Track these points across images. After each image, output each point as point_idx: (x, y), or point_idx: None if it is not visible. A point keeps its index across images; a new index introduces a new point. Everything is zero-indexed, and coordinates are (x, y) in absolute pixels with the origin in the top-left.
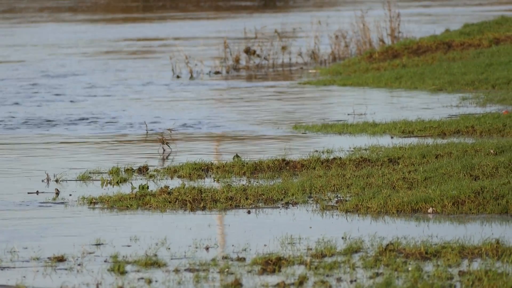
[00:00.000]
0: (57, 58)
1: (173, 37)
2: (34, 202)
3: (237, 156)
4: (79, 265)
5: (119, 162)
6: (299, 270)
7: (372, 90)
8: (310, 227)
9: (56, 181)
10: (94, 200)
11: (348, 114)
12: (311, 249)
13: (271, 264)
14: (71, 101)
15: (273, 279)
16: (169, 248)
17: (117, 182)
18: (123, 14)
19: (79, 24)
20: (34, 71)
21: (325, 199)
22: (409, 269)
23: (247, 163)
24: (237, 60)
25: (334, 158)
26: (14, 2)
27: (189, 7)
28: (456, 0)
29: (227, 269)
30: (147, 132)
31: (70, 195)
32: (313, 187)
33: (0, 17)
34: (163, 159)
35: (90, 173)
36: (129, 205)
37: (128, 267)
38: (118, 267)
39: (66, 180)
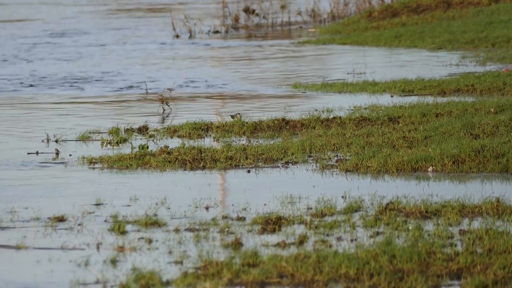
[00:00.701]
0: (59, 16)
1: None
2: (34, 162)
3: (238, 115)
4: (79, 225)
5: (118, 122)
6: (299, 229)
7: (371, 49)
8: (314, 186)
9: (56, 141)
10: (94, 160)
11: (348, 73)
12: (311, 208)
13: (271, 223)
14: (69, 60)
15: (273, 239)
16: (169, 208)
17: (117, 142)
18: None
19: None
20: (36, 30)
21: (325, 159)
22: (410, 228)
23: (246, 123)
24: (236, 20)
25: (334, 117)
26: None
27: None
28: None
29: (227, 229)
30: (146, 92)
31: (70, 155)
32: (313, 147)
33: None
34: (163, 119)
35: (90, 133)
36: (129, 165)
37: (128, 227)
38: (118, 226)
39: (66, 140)
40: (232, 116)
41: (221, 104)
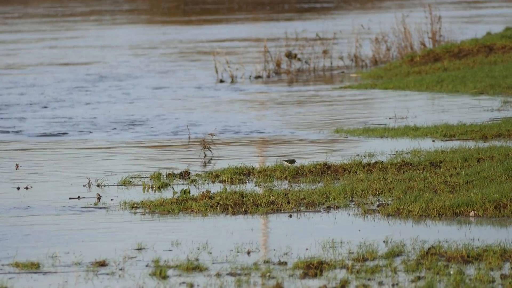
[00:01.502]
0: (115, 59)
1: (215, 40)
2: (76, 207)
3: (293, 161)
4: (120, 269)
5: (160, 167)
6: (341, 274)
7: (413, 94)
8: (359, 230)
9: (98, 186)
10: (135, 205)
11: (390, 118)
12: (352, 253)
13: (313, 268)
14: (115, 104)
15: (314, 283)
16: (210, 253)
17: (159, 187)
18: (161, 17)
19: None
20: (91, 72)
21: (367, 203)
22: (451, 272)
23: (289, 168)
24: (278, 64)
25: (376, 162)
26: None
27: (231, 8)
28: (497, 2)
29: (268, 273)
30: (189, 137)
31: (111, 199)
32: (354, 191)
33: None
34: (205, 164)
35: (131, 178)
36: (170, 210)
37: (169, 272)
38: (160, 271)
39: (107, 185)
40: (290, 162)
41: (263, 149)
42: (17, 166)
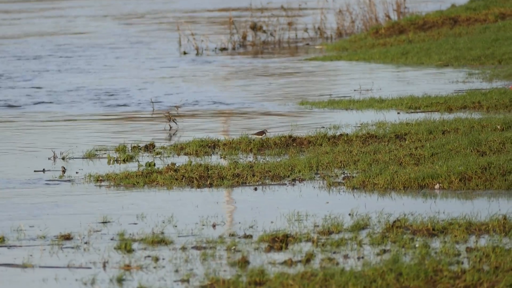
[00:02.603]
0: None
1: (179, 10)
2: (41, 180)
3: (262, 132)
4: (85, 243)
5: (125, 139)
6: (306, 247)
7: (378, 66)
8: (327, 202)
9: (63, 158)
10: (100, 178)
11: (355, 90)
12: (318, 226)
13: (278, 241)
14: (72, 76)
15: (280, 256)
16: (175, 226)
17: (124, 160)
18: None
19: None
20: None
21: (332, 176)
22: (416, 245)
23: (253, 140)
24: (244, 37)
25: (341, 134)
26: None
27: None
28: None
29: (234, 247)
30: (153, 109)
31: (76, 172)
32: (320, 164)
33: None
34: (170, 136)
35: (96, 150)
36: (135, 183)
37: (134, 245)
38: (125, 245)
39: (72, 158)
40: (258, 134)
41: (228, 121)
42: None
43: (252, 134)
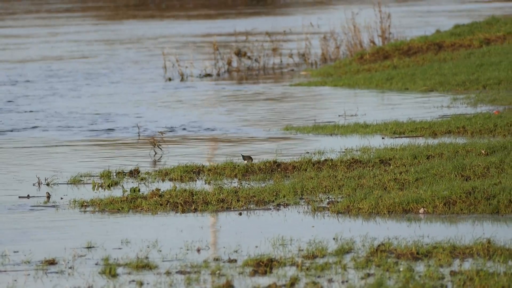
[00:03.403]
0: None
1: (163, 36)
2: (25, 205)
3: (249, 157)
4: (70, 268)
5: (110, 165)
6: (291, 271)
7: (363, 91)
8: (313, 226)
9: (47, 184)
10: (85, 203)
11: (339, 115)
12: (302, 250)
13: (263, 265)
14: (62, 101)
15: (264, 281)
16: (160, 251)
17: (109, 185)
18: (112, 12)
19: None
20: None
21: (317, 201)
22: (401, 269)
23: (238, 165)
24: (229, 63)
25: (326, 160)
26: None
27: (178, 4)
28: None
29: (218, 271)
30: (139, 135)
31: (61, 198)
32: (304, 189)
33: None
34: (155, 162)
35: (81, 176)
36: (120, 208)
37: (119, 270)
38: (109, 269)
39: (57, 184)
40: (244, 158)
41: (213, 147)
42: None
43: (242, 154)
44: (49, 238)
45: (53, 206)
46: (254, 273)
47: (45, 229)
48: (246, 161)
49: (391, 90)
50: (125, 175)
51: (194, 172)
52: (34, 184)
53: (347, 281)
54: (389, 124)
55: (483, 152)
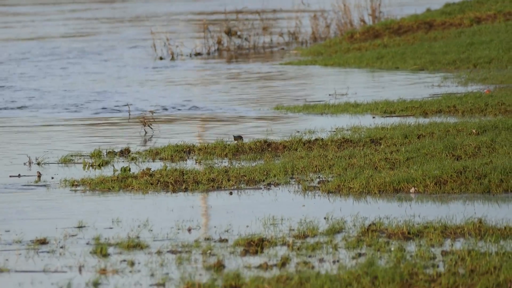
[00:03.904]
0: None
1: (154, 15)
2: (16, 184)
3: (239, 137)
4: (61, 247)
5: (101, 144)
6: (282, 251)
7: (353, 70)
8: (303, 206)
9: (38, 164)
10: (76, 183)
11: (330, 95)
12: (293, 229)
13: (254, 245)
14: (53, 81)
15: (255, 260)
16: (151, 230)
17: (99, 165)
18: None
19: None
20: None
21: (307, 180)
22: (392, 249)
23: (228, 145)
24: (219, 42)
25: (316, 139)
26: None
27: None
28: None
29: (209, 251)
30: (129, 114)
31: (52, 177)
32: (295, 168)
33: None
34: (145, 141)
35: (72, 155)
36: (111, 187)
37: (110, 249)
38: (100, 249)
39: (48, 163)
40: (235, 138)
41: (203, 126)
42: None
43: (233, 135)
44: (40, 218)
45: (44, 186)
46: (245, 252)
47: (36, 209)
48: (236, 141)
49: (382, 69)
50: (116, 154)
51: (184, 151)
52: (25, 164)
53: (338, 261)
54: (379, 103)
55: (474, 131)
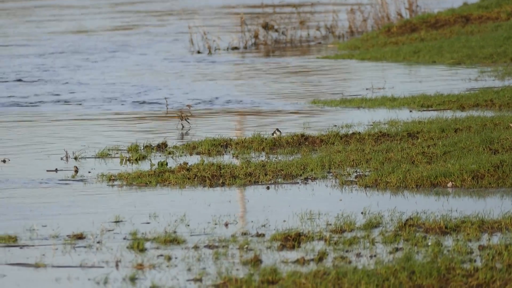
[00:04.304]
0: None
1: (188, 10)
2: (53, 179)
3: (278, 130)
4: (98, 242)
5: (138, 138)
6: (319, 245)
7: (390, 65)
8: (340, 200)
9: (75, 158)
10: (113, 177)
11: (367, 89)
12: (330, 224)
13: (291, 240)
14: (85, 79)
15: (292, 255)
16: (188, 225)
17: (136, 159)
18: None
19: None
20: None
21: (344, 174)
22: (429, 244)
23: (266, 139)
24: (256, 36)
25: (353, 133)
26: None
27: None
28: None
29: (246, 245)
30: (167, 108)
31: (89, 172)
32: (332, 162)
33: None
34: (182, 135)
35: (109, 150)
36: (148, 182)
37: (147, 244)
38: (137, 244)
39: (85, 158)
40: (272, 133)
41: (241, 120)
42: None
43: (276, 129)
44: (77, 213)
45: (81, 180)
46: (282, 247)
47: (73, 203)
48: (274, 134)
49: (419, 63)
50: (153, 149)
51: (221, 145)
52: (62, 158)
53: (375, 256)
54: (416, 97)
55: (511, 125)
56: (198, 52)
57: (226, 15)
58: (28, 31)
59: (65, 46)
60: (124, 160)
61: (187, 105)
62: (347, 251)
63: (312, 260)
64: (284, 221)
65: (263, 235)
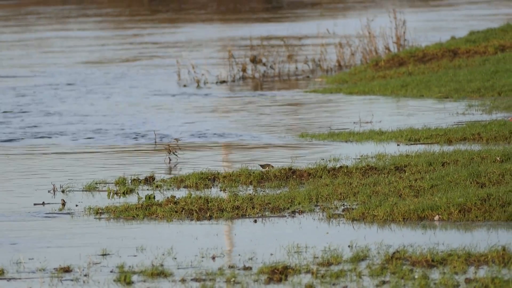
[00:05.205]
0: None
1: (178, 43)
2: (41, 212)
3: (271, 166)
4: (85, 275)
5: (125, 172)
6: (306, 278)
7: (378, 98)
8: (327, 233)
9: (63, 191)
10: (100, 210)
11: (354, 122)
12: (317, 257)
13: (278, 273)
14: (73, 112)
15: None
16: (175, 258)
17: (124, 193)
18: (125, 17)
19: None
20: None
21: (332, 208)
22: (416, 277)
23: (253, 172)
24: (244, 69)
25: (341, 167)
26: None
27: (194, 10)
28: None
29: (233, 279)
30: (155, 142)
31: (76, 205)
32: (319, 196)
33: None
34: (170, 169)
35: (96, 183)
36: (135, 215)
37: (134, 277)
38: (124, 277)
39: (72, 191)
40: (262, 166)
41: (228, 154)
42: None
43: (260, 164)
44: (64, 245)
45: (68, 213)
46: (269, 280)
47: (60, 236)
48: (264, 169)
49: (406, 97)
50: (140, 182)
51: (209, 179)
52: (49, 191)
53: None
54: (404, 131)
55: (498, 159)
56: (185, 86)
57: (214, 47)
58: (37, 62)
59: (62, 78)
60: (112, 193)
61: (175, 139)
62: (334, 284)
63: None
64: (271, 254)
65: (250, 268)
